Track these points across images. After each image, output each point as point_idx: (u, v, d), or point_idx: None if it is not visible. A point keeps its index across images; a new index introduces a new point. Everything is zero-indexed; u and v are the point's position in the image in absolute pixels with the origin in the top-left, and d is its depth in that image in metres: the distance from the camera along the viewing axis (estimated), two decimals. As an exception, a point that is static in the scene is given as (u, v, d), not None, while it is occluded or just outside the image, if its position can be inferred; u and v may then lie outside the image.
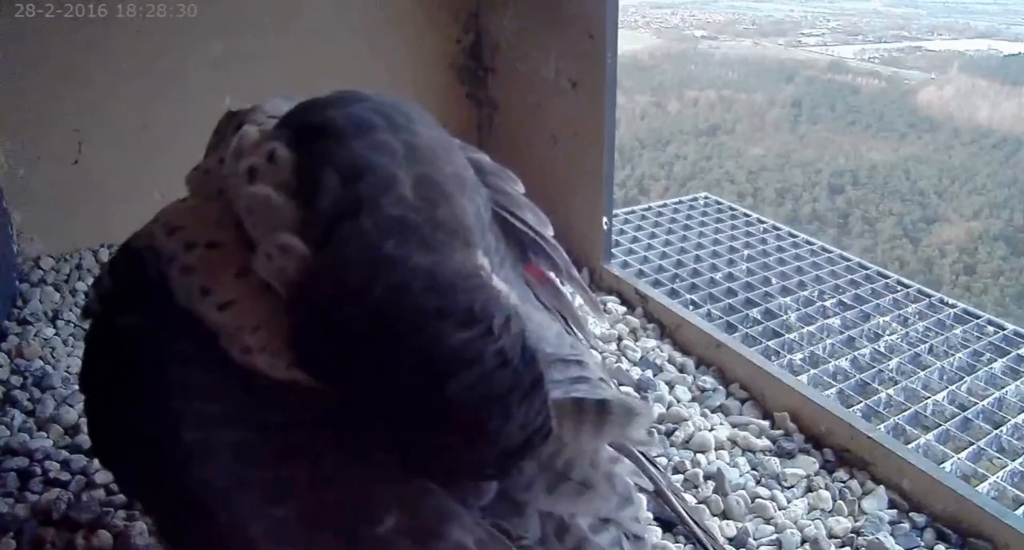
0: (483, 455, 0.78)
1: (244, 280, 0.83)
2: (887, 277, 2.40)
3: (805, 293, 2.28)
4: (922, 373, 1.91)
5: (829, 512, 1.40)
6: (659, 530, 1.32)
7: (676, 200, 3.03)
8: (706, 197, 3.05)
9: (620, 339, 1.93)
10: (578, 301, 1.39)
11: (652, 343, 1.91)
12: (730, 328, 2.05)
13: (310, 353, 0.78)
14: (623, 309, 2.06)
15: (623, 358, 1.84)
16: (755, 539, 1.33)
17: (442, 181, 0.84)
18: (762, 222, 2.80)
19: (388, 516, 0.82)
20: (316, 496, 0.81)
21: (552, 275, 1.16)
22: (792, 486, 1.45)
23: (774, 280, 2.36)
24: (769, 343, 1.99)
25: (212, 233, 0.87)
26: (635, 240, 2.63)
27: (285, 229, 0.79)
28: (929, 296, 2.29)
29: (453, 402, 0.73)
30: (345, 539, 0.81)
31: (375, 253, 0.75)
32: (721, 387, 1.74)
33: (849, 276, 2.40)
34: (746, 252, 2.55)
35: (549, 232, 1.13)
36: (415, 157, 0.84)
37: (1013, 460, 1.58)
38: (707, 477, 1.46)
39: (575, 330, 1.19)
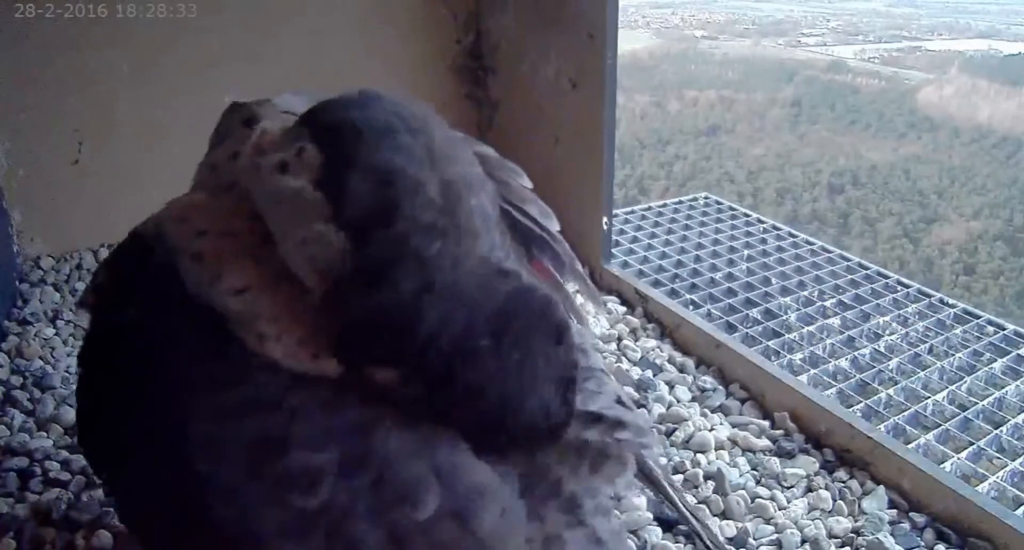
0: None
1: (259, 268, 0.84)
2: (887, 277, 2.40)
3: (805, 293, 2.28)
4: (922, 373, 1.91)
5: (829, 512, 1.40)
6: (659, 530, 1.32)
7: (676, 200, 3.02)
8: (706, 197, 3.05)
9: (620, 339, 1.92)
10: (580, 298, 1.39)
11: (652, 343, 1.91)
12: (730, 328, 2.05)
13: (352, 348, 0.81)
14: (623, 309, 2.06)
15: (623, 358, 1.84)
16: (755, 539, 1.33)
17: (458, 183, 0.84)
18: (762, 222, 2.80)
19: (429, 497, 0.81)
20: (348, 481, 0.79)
21: (554, 271, 1.16)
22: (792, 486, 1.45)
23: (774, 280, 2.36)
24: (769, 343, 1.98)
25: (225, 223, 0.88)
26: (635, 240, 2.63)
27: (318, 220, 0.79)
28: (929, 296, 2.29)
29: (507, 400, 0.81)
30: (384, 526, 0.80)
31: (417, 254, 0.79)
32: (721, 387, 1.74)
33: (849, 276, 2.40)
34: (746, 252, 2.55)
35: (555, 226, 1.12)
36: (434, 159, 0.84)
37: (1013, 460, 1.58)
38: (707, 477, 1.46)
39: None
